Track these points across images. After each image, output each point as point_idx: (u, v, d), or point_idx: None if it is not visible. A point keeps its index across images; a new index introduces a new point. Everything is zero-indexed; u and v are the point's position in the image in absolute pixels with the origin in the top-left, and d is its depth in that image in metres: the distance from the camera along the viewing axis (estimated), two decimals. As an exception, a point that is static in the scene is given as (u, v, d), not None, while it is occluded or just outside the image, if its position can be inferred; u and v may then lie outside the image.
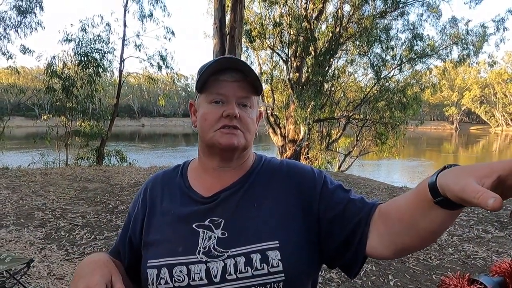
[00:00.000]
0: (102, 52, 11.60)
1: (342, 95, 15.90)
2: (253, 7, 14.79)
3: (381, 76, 13.69)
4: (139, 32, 13.07)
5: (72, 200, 5.23)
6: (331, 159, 15.41)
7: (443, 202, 0.50)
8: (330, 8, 14.73)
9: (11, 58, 11.87)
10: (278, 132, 14.95)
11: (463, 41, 13.55)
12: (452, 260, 3.27)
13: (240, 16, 7.28)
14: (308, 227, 0.74)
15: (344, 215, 0.71)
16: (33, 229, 3.92)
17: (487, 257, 3.33)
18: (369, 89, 14.39)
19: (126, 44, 12.40)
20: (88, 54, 11.15)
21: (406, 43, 13.75)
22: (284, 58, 14.92)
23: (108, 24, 12.03)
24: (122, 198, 5.42)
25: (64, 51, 11.25)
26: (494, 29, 13.30)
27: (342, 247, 0.72)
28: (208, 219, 0.74)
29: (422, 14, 13.65)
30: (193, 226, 0.74)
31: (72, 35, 11.13)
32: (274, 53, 15.06)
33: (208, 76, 0.76)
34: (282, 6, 14.07)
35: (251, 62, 15.94)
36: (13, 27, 11.48)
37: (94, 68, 11.21)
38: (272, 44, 14.56)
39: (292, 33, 13.87)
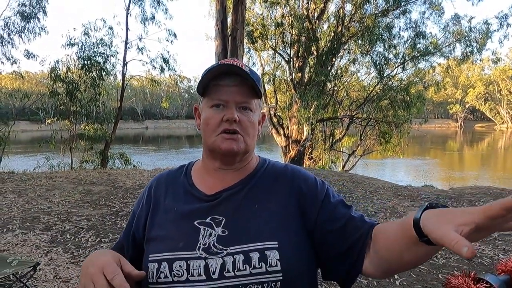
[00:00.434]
0: (105, 55, 11.67)
1: (345, 95, 15.85)
2: (255, 8, 14.81)
3: (384, 75, 13.64)
4: (141, 35, 13.10)
5: (77, 203, 5.26)
6: (335, 159, 15.36)
7: (428, 241, 0.53)
8: (331, 7, 14.72)
9: (15, 63, 11.98)
10: (282, 132, 14.93)
11: (466, 38, 13.47)
12: (458, 259, 3.24)
13: (242, 17, 7.29)
14: (307, 231, 0.76)
15: (345, 229, 0.74)
16: (39, 233, 3.94)
17: (493, 256, 3.30)
18: (372, 88, 14.34)
19: (128, 47, 12.47)
20: (91, 57, 11.21)
21: (409, 41, 13.69)
22: (286, 59, 14.91)
23: (110, 28, 12.11)
24: (127, 201, 5.44)
25: (68, 55, 11.39)
26: (498, 25, 13.24)
27: (338, 260, 0.74)
28: (210, 217, 0.76)
29: (424, 12, 13.61)
30: (195, 223, 0.76)
31: (75, 39, 11.22)
32: (276, 54, 15.06)
33: (209, 81, 0.79)
34: (283, 6, 14.07)
35: (253, 63, 15.96)
36: (17, 32, 11.58)
37: (97, 72, 11.27)
38: (274, 45, 14.56)
39: (294, 33, 13.86)
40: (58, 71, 10.91)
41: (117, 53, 12.28)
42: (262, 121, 0.87)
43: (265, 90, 15.75)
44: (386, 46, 13.53)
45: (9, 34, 11.56)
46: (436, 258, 3.24)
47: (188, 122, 63.04)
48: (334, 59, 13.94)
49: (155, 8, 13.05)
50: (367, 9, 13.45)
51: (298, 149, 13.69)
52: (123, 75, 12.46)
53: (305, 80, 14.17)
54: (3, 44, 11.54)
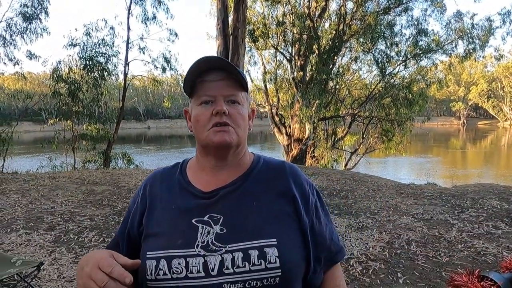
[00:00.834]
0: (107, 55, 11.68)
1: (347, 93, 15.81)
2: (256, 7, 14.79)
3: (386, 73, 13.60)
4: (142, 35, 13.19)
5: (80, 203, 5.28)
6: (337, 157, 15.34)
7: None
8: (333, 5, 14.69)
9: (18, 64, 11.99)
10: (284, 131, 14.92)
11: (469, 35, 13.40)
12: (462, 257, 3.23)
13: (243, 16, 7.27)
14: (302, 228, 0.79)
15: (325, 244, 0.82)
16: (43, 233, 3.96)
17: (497, 253, 3.29)
18: (374, 86, 14.30)
19: (130, 47, 12.47)
20: (93, 58, 11.23)
21: (411, 38, 13.65)
22: (287, 57, 14.89)
23: (112, 28, 12.12)
24: (130, 200, 5.45)
25: (70, 55, 11.40)
26: (500, 22, 13.16)
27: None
28: (208, 215, 0.77)
29: (426, 9, 13.55)
30: (193, 221, 0.76)
31: (76, 39, 11.24)
32: (278, 53, 15.04)
33: (194, 79, 0.79)
34: (284, 5, 14.05)
35: (255, 62, 15.96)
36: (19, 33, 11.60)
37: (99, 72, 11.28)
38: (275, 44, 14.54)
39: (295, 32, 13.84)
40: (60, 72, 10.93)
41: (119, 53, 12.32)
42: (252, 116, 0.88)
43: (267, 89, 15.74)
44: (388, 44, 13.49)
45: (11, 35, 11.59)
46: (440, 256, 3.24)
47: (190, 122, 62.85)
48: (335, 57, 13.90)
49: (156, 8, 13.06)
50: (368, 7, 13.42)
51: (300, 148, 13.68)
52: (125, 75, 12.48)
53: (307, 79, 14.15)
54: (6, 45, 11.57)
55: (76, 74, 11.17)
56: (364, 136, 14.66)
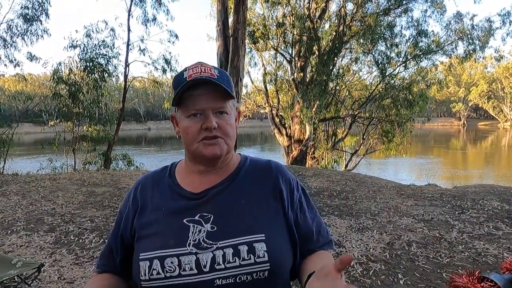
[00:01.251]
0: (107, 57, 11.68)
1: (347, 94, 15.82)
2: (256, 8, 14.82)
3: (386, 74, 13.60)
4: (143, 37, 13.11)
5: (81, 204, 5.28)
6: (337, 158, 15.33)
7: None
8: (333, 7, 14.71)
9: (18, 65, 12.01)
10: (284, 132, 14.92)
11: (469, 36, 13.42)
12: (462, 258, 3.22)
13: (243, 17, 7.28)
14: (288, 223, 0.83)
15: (312, 237, 0.86)
16: (43, 234, 3.96)
17: (498, 254, 3.28)
18: (374, 87, 14.31)
19: (130, 49, 12.47)
20: (94, 59, 11.23)
21: (411, 39, 13.66)
22: (288, 58, 14.91)
23: (112, 29, 12.12)
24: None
25: (70, 57, 11.38)
26: (500, 23, 13.20)
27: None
28: (198, 215, 0.79)
29: (426, 10, 13.57)
30: (184, 221, 0.79)
31: (77, 41, 11.24)
32: (278, 54, 15.05)
33: (182, 93, 0.80)
34: (284, 6, 14.08)
35: (255, 63, 15.98)
36: (20, 35, 11.62)
37: (100, 73, 11.29)
38: (275, 45, 14.56)
39: (295, 33, 13.86)
40: (61, 73, 10.94)
41: (119, 54, 12.31)
42: (238, 117, 0.89)
43: (267, 90, 15.75)
44: (388, 45, 13.50)
45: (12, 37, 11.61)
46: (440, 257, 3.23)
47: (190, 123, 62.86)
48: (336, 59, 13.91)
49: (156, 9, 13.06)
50: (368, 8, 13.44)
51: (300, 149, 13.68)
52: (125, 76, 12.48)
53: (307, 80, 14.16)
54: (6, 46, 11.59)
55: (77, 76, 11.18)
56: (365, 137, 14.66)
